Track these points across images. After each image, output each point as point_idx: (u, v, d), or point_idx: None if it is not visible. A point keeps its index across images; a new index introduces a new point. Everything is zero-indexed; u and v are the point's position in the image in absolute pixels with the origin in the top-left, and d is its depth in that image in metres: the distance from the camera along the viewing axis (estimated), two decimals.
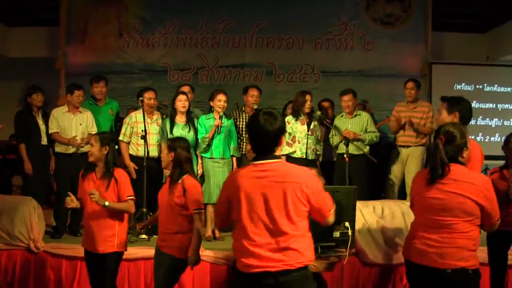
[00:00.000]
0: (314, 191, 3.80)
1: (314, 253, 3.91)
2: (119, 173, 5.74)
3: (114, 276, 5.72)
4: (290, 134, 8.47)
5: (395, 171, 9.20)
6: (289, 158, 8.40)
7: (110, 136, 6.03)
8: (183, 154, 5.46)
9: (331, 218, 3.96)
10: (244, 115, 8.90)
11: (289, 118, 8.58)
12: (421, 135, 9.03)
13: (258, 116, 3.84)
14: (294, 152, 8.48)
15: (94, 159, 5.71)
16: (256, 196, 3.74)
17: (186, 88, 8.97)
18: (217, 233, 8.10)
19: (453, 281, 4.19)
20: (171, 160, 5.45)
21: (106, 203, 5.40)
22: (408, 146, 9.03)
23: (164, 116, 8.59)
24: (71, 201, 5.60)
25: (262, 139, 3.83)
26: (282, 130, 3.86)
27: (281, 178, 3.74)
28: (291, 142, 8.48)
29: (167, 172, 5.96)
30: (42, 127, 8.44)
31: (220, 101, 8.18)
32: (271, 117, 3.83)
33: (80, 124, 8.35)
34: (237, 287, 3.97)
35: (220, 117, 8.13)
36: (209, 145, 8.16)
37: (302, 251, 3.78)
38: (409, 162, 9.04)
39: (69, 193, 5.67)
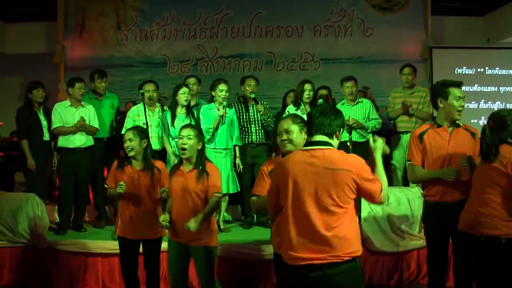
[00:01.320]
0: (364, 178, 3.80)
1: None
2: (159, 164, 5.99)
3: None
4: None
5: (397, 157, 9.20)
6: None
7: (145, 130, 6.36)
8: (204, 142, 5.64)
9: (383, 199, 3.98)
10: (241, 105, 8.83)
11: (289, 108, 8.58)
12: (420, 121, 9.02)
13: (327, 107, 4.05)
14: None
15: (135, 153, 5.82)
16: (305, 182, 3.72)
17: (192, 80, 8.97)
18: (221, 225, 8.10)
19: (487, 249, 4.45)
20: (198, 150, 5.49)
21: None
22: (407, 132, 9.00)
23: (165, 108, 8.56)
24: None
25: (328, 125, 3.90)
26: (342, 125, 4.00)
27: (332, 165, 3.73)
28: None
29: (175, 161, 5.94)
30: (44, 122, 8.42)
31: (222, 91, 8.17)
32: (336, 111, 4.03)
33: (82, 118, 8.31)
34: (284, 279, 3.95)
35: (224, 107, 8.11)
36: (212, 135, 8.13)
37: (349, 241, 3.74)
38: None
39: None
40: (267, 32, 11.93)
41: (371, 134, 8.76)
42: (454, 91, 5.29)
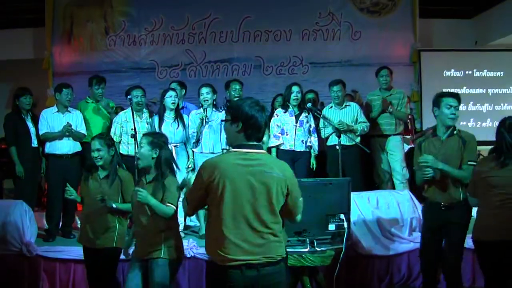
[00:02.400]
0: (293, 190, 3.85)
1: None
2: (123, 173, 5.94)
3: None
4: (278, 126, 8.53)
5: (382, 160, 9.23)
6: (278, 150, 8.50)
7: (111, 138, 6.47)
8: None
9: (298, 218, 4.03)
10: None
11: (278, 111, 8.60)
12: (399, 123, 9.21)
13: (255, 105, 3.86)
14: (282, 144, 8.50)
15: (103, 163, 5.79)
16: (242, 184, 3.69)
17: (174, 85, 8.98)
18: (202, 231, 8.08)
19: None
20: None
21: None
22: (387, 136, 9.12)
23: (154, 114, 8.54)
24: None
25: (260, 128, 3.84)
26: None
27: (269, 169, 3.74)
28: (279, 134, 8.50)
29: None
30: (32, 129, 8.38)
31: (202, 94, 8.17)
32: (263, 108, 3.89)
33: (69, 124, 8.27)
34: (216, 280, 3.85)
35: (205, 110, 8.08)
36: (198, 140, 8.11)
37: (281, 243, 3.82)
38: (391, 151, 9.11)
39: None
40: (255, 36, 11.95)
41: (359, 138, 8.82)
42: (447, 100, 5.72)
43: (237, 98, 8.62)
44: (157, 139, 5.37)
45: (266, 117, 3.92)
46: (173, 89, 8.28)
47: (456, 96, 5.83)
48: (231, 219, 3.68)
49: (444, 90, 11.35)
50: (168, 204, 5.10)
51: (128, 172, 6.06)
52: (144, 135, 5.53)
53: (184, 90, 9.16)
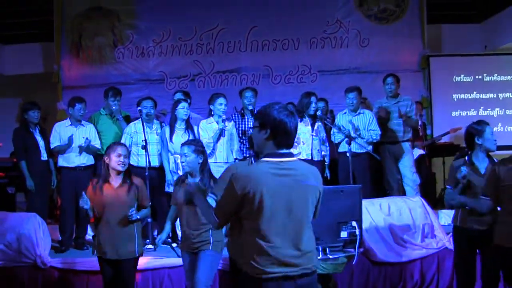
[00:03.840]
0: (321, 197, 3.81)
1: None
2: (138, 181, 6.05)
3: None
4: None
5: (391, 167, 9.21)
6: None
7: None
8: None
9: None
10: (243, 118, 8.86)
11: None
12: (408, 130, 9.20)
13: (284, 110, 3.71)
14: (299, 153, 8.44)
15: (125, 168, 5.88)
16: (277, 195, 3.56)
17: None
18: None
19: None
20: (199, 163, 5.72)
21: None
22: (396, 142, 9.11)
23: (163, 125, 8.55)
24: None
25: (290, 134, 3.70)
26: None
27: (304, 178, 3.66)
28: (296, 143, 8.44)
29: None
30: (41, 143, 8.42)
31: (221, 104, 8.25)
32: (292, 112, 3.74)
33: (83, 137, 8.35)
34: None
35: (223, 120, 8.14)
36: (213, 150, 8.14)
37: (314, 254, 3.74)
38: (401, 157, 9.10)
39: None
40: (263, 46, 11.94)
41: (371, 146, 8.81)
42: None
43: (250, 106, 8.66)
44: (200, 146, 5.75)
45: (296, 122, 3.73)
46: (185, 100, 8.32)
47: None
48: (268, 231, 3.57)
49: (454, 95, 11.51)
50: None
51: (141, 179, 6.17)
52: (185, 144, 5.76)
53: (188, 100, 9.16)
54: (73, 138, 8.25)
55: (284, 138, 3.67)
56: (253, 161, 7.15)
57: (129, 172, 5.92)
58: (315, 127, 8.55)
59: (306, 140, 8.46)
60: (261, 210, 3.55)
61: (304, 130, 8.46)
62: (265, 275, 3.56)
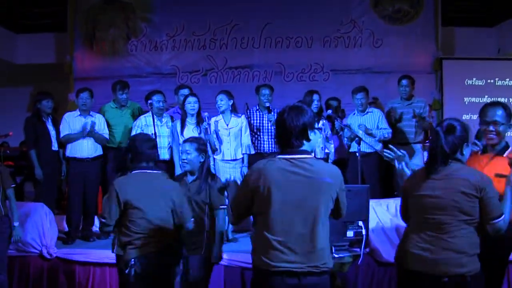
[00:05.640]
0: (341, 194, 3.84)
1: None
2: None
3: None
4: None
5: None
6: None
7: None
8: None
9: (343, 214, 4.00)
10: (258, 113, 8.85)
11: None
12: (419, 132, 9.20)
13: (285, 108, 3.83)
14: None
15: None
16: (288, 191, 3.65)
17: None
18: (230, 235, 8.08)
19: None
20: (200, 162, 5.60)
21: None
22: (408, 143, 9.12)
23: (175, 119, 8.56)
24: None
25: (290, 133, 3.76)
26: (308, 125, 3.79)
27: (319, 176, 3.69)
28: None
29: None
30: (52, 132, 8.44)
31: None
32: (297, 111, 3.79)
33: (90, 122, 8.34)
34: (257, 285, 3.84)
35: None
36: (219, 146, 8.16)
37: (327, 253, 3.75)
38: (412, 158, 9.04)
39: None
40: (276, 43, 11.92)
41: (380, 145, 8.79)
42: None
43: (267, 103, 8.65)
44: (202, 145, 5.65)
45: (307, 118, 3.79)
46: (194, 95, 8.28)
47: None
48: (277, 226, 3.65)
49: (466, 98, 11.46)
50: (221, 207, 5.43)
51: None
52: (188, 142, 5.66)
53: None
54: (85, 127, 8.25)
55: (283, 136, 3.82)
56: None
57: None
58: (319, 125, 8.53)
59: None
60: (269, 204, 3.65)
61: None
62: (271, 268, 3.63)
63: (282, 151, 3.80)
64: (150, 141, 5.29)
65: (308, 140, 3.79)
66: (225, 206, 5.40)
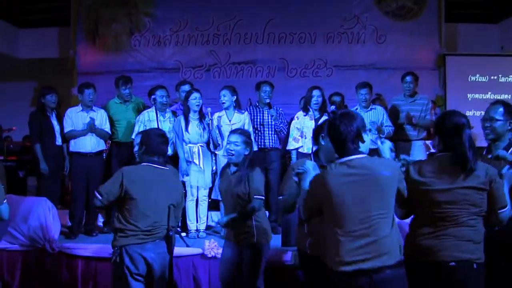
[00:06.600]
0: (400, 185, 3.96)
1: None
2: None
3: None
4: (298, 129, 8.49)
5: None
6: (297, 153, 8.48)
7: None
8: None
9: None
10: (258, 110, 8.82)
11: (298, 114, 8.60)
12: (421, 129, 9.08)
13: (335, 118, 4.00)
14: (301, 147, 8.46)
15: None
16: (351, 194, 3.77)
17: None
18: None
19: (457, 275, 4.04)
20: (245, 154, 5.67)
21: None
22: (410, 140, 9.06)
23: (178, 114, 8.55)
24: None
25: (345, 138, 3.91)
26: (361, 128, 3.98)
27: (376, 172, 3.81)
28: (299, 137, 8.48)
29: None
30: (56, 127, 8.42)
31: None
32: (348, 117, 3.99)
33: (91, 118, 8.34)
34: (329, 286, 3.92)
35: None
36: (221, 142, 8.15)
37: (397, 246, 3.82)
38: (414, 156, 9.00)
39: None
40: (280, 39, 11.93)
41: (380, 141, 8.75)
42: None
43: (267, 100, 8.63)
44: (248, 138, 5.74)
45: (359, 121, 3.99)
46: (198, 90, 8.26)
47: None
48: (345, 227, 3.76)
49: (469, 95, 11.43)
50: (255, 197, 5.46)
51: None
52: (236, 133, 5.76)
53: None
54: (90, 124, 8.26)
55: (338, 142, 3.98)
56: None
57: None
58: (319, 122, 8.49)
59: (308, 134, 8.40)
60: (335, 210, 3.81)
61: (308, 124, 8.40)
62: (341, 267, 3.73)
63: (340, 156, 3.94)
64: (162, 137, 5.40)
65: (363, 141, 3.96)
66: (261, 197, 5.52)
